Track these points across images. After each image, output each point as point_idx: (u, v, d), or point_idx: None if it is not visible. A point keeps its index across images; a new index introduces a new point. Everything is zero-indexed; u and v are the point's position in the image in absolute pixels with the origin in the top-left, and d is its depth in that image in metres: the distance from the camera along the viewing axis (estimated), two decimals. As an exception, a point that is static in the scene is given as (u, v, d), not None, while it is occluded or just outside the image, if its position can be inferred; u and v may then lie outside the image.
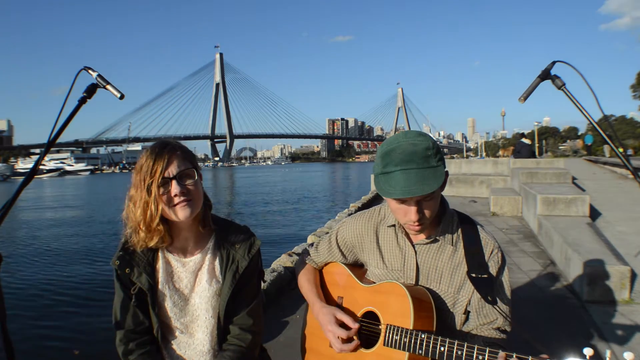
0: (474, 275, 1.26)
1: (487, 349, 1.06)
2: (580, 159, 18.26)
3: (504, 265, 1.31)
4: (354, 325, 1.32)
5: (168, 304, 1.31)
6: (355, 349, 1.33)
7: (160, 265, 1.32)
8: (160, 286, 1.30)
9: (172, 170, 1.22)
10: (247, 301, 1.35)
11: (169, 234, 1.31)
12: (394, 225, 1.37)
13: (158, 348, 1.34)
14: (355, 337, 1.33)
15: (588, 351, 0.90)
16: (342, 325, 1.35)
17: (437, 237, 1.31)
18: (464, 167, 13.87)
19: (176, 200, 1.22)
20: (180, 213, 1.23)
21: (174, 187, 1.21)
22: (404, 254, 1.36)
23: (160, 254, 1.33)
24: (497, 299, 1.25)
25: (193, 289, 1.33)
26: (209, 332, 1.33)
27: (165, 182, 1.22)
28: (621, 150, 1.25)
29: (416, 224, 1.22)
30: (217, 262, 1.34)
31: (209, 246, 1.35)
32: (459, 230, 1.33)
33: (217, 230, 1.37)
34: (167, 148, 1.24)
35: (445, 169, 1.19)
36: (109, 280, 1.34)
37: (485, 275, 1.26)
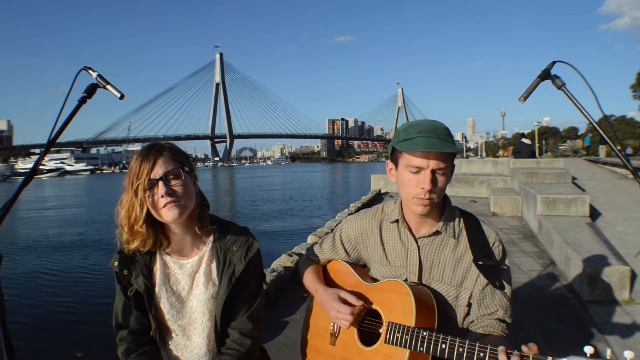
0: (480, 262, 1.28)
1: (489, 346, 1.06)
2: (580, 159, 18.26)
3: (505, 256, 1.35)
4: (358, 303, 1.33)
5: (165, 306, 1.30)
6: (359, 315, 1.34)
7: (157, 267, 1.31)
8: (157, 288, 1.30)
9: (159, 171, 1.21)
10: (246, 305, 1.34)
11: (165, 236, 1.30)
12: (396, 221, 1.39)
13: (157, 349, 1.34)
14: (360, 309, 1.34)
15: (589, 349, 0.90)
16: (347, 303, 1.35)
17: (440, 230, 1.33)
18: (464, 167, 13.87)
19: (163, 201, 1.21)
20: (168, 215, 1.22)
21: (160, 188, 1.21)
22: (406, 249, 1.37)
23: (158, 256, 1.32)
24: (504, 284, 1.28)
25: (190, 291, 1.32)
26: (206, 335, 1.33)
27: (151, 184, 1.21)
28: (619, 148, 1.24)
29: (427, 195, 1.23)
30: (213, 265, 1.33)
31: (206, 248, 1.34)
32: (462, 223, 1.36)
33: (216, 232, 1.36)
34: (153, 149, 1.24)
35: (459, 150, 1.25)
36: (110, 281, 1.34)
37: (492, 263, 1.29)
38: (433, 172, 1.23)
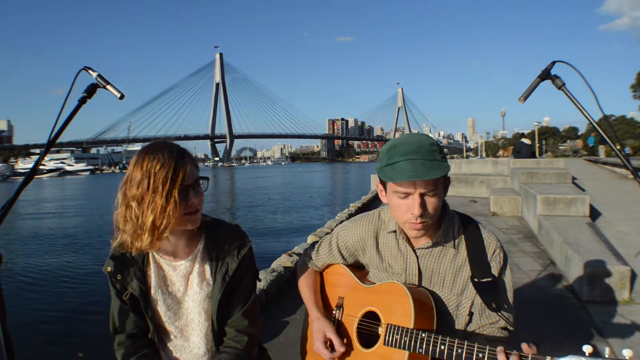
0: (476, 280, 1.25)
1: (487, 347, 1.06)
2: (580, 159, 18.23)
3: (506, 265, 1.31)
4: (340, 349, 1.35)
5: (161, 308, 1.30)
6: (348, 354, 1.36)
7: (152, 270, 1.31)
8: (153, 291, 1.30)
9: (190, 178, 1.20)
10: (241, 303, 1.34)
11: None
12: (394, 231, 1.36)
13: (156, 351, 1.33)
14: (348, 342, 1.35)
15: (587, 348, 0.90)
16: (331, 343, 1.38)
17: (439, 241, 1.30)
18: (464, 167, 13.87)
19: (188, 209, 1.20)
20: (190, 222, 1.23)
21: (193, 196, 1.20)
22: (405, 259, 1.35)
23: (151, 259, 1.31)
24: (500, 304, 1.24)
25: (185, 292, 1.32)
26: (204, 335, 1.33)
27: (182, 190, 1.18)
28: (618, 147, 1.24)
29: (418, 220, 1.19)
30: (207, 265, 1.33)
31: (198, 249, 1.33)
32: (461, 232, 1.32)
33: (207, 232, 1.35)
34: (185, 154, 1.22)
35: (449, 169, 1.19)
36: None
37: (489, 279, 1.25)
38: (422, 195, 1.18)
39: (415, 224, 1.20)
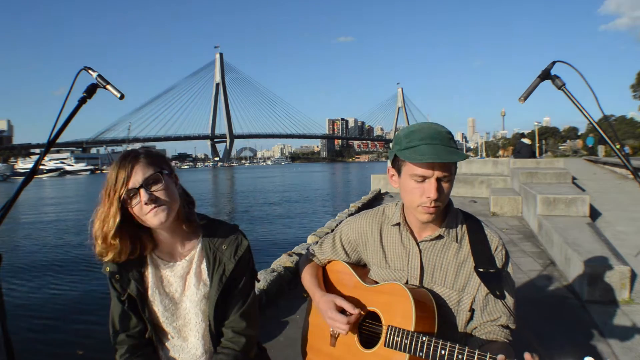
0: (481, 270, 1.26)
1: (488, 354, 1.05)
2: (580, 159, 18.24)
3: (508, 261, 1.32)
4: (355, 311, 1.32)
5: (159, 309, 1.30)
6: (356, 322, 1.33)
7: (149, 270, 1.31)
8: (150, 291, 1.30)
9: (137, 179, 1.19)
10: (238, 303, 1.34)
11: (152, 240, 1.30)
12: (398, 224, 1.37)
13: (154, 351, 1.34)
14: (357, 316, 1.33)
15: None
16: (343, 311, 1.34)
17: (442, 234, 1.31)
18: (464, 167, 13.84)
19: (147, 208, 1.20)
20: (153, 220, 1.21)
21: (142, 196, 1.19)
22: (408, 253, 1.35)
23: (148, 259, 1.32)
24: (504, 293, 1.25)
25: (183, 293, 1.32)
26: (201, 336, 1.33)
27: (133, 193, 1.19)
28: (618, 146, 1.24)
29: (432, 204, 1.21)
30: (204, 265, 1.33)
31: (196, 249, 1.34)
32: (464, 227, 1.33)
33: (204, 232, 1.35)
34: (129, 157, 1.22)
35: (466, 157, 1.21)
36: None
37: (493, 270, 1.26)
38: (438, 180, 1.20)
39: (429, 208, 1.22)
